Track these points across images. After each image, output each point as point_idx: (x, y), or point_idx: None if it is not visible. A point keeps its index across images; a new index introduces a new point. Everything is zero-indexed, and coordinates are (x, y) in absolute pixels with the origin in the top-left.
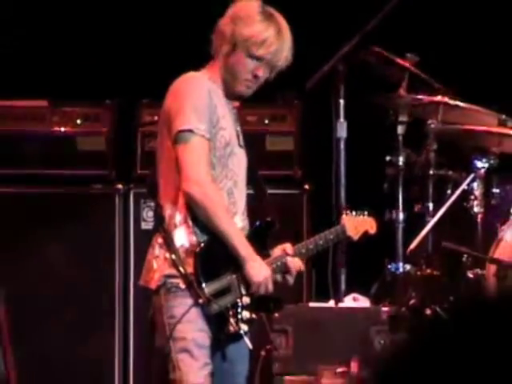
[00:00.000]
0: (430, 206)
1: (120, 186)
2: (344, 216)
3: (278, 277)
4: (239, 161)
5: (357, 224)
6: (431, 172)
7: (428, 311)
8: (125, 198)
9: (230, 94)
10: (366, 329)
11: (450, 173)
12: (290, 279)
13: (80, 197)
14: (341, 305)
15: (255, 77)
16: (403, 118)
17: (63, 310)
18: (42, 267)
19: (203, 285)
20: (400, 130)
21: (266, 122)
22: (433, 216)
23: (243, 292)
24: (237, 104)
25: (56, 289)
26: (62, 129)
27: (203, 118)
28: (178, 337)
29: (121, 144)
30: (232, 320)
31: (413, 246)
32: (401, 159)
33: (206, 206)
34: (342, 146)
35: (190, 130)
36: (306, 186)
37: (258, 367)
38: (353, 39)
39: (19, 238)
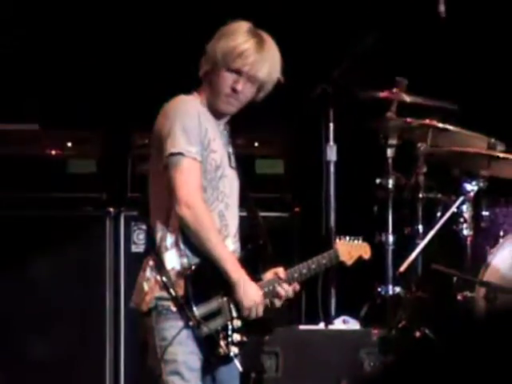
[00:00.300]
0: (420, 228)
1: (111, 209)
2: (337, 241)
3: (267, 300)
4: (231, 183)
5: (350, 249)
6: (421, 195)
7: (417, 333)
8: (115, 221)
9: (215, 113)
10: (356, 351)
11: (440, 196)
12: (278, 303)
13: (71, 219)
14: (331, 327)
15: (234, 91)
16: (393, 141)
17: (53, 332)
18: (31, 290)
19: (194, 307)
20: (390, 153)
21: (256, 145)
22: (422, 238)
23: (234, 315)
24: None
25: (46, 311)
26: (53, 152)
27: (193, 141)
28: (169, 359)
29: (112, 167)
30: (222, 343)
31: (402, 268)
32: (390, 182)
33: (197, 228)
34: (332, 169)
35: (181, 153)
36: (296, 209)
37: None
38: (342, 63)
39: (9, 260)
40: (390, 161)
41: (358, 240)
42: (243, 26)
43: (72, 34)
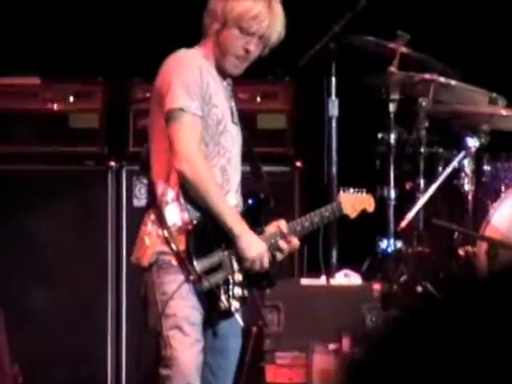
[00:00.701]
0: (421, 183)
1: (112, 163)
2: (341, 193)
3: (269, 254)
4: (233, 138)
5: (354, 202)
6: (422, 150)
7: (419, 288)
8: (117, 175)
9: (222, 72)
10: (358, 306)
11: (441, 150)
12: (280, 257)
13: (72, 174)
14: (332, 281)
15: (247, 52)
16: (395, 95)
17: (54, 287)
18: (33, 244)
19: (194, 262)
20: (391, 107)
21: (258, 99)
22: (424, 193)
23: (235, 268)
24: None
25: (47, 265)
26: (55, 106)
27: (194, 96)
28: (170, 313)
29: (113, 121)
30: (223, 297)
31: (404, 223)
32: (392, 137)
33: (197, 183)
34: (334, 123)
35: (181, 109)
36: (298, 164)
37: (250, 343)
38: (344, 17)
39: (10, 214)
40: (391, 115)
41: (362, 192)
42: None
43: None
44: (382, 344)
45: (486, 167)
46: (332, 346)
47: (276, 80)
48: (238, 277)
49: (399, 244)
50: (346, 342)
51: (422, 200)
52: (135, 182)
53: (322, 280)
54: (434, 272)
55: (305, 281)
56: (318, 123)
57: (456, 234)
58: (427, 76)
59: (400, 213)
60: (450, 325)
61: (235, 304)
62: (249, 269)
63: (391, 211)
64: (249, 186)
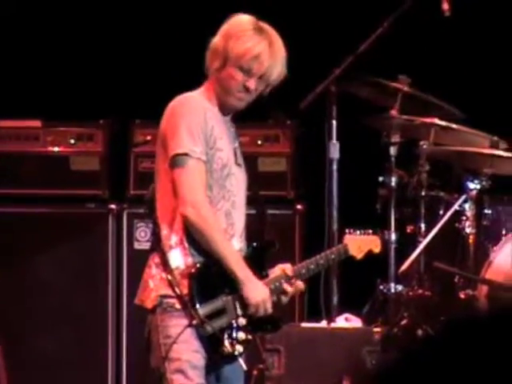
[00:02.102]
0: (422, 226)
1: (113, 206)
2: (347, 235)
3: (274, 297)
4: (238, 181)
5: (360, 243)
6: (423, 193)
7: (420, 331)
8: (118, 218)
9: (224, 109)
10: (358, 349)
11: (442, 194)
12: (285, 300)
13: (73, 216)
14: (333, 325)
15: (247, 89)
16: (395, 139)
17: (55, 330)
18: (35, 286)
19: (197, 306)
20: (392, 151)
21: (259, 142)
22: (425, 237)
23: (239, 313)
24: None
25: (49, 308)
26: (56, 149)
27: (198, 141)
28: (173, 357)
29: (114, 164)
30: (227, 341)
31: (405, 266)
32: (393, 180)
33: (202, 228)
34: (335, 166)
35: (186, 154)
36: (299, 206)
37: None
38: (345, 61)
39: (11, 257)
40: (392, 158)
41: (369, 233)
42: (250, 23)
43: (73, 29)
44: None
45: (487, 210)
46: None
47: (277, 123)
48: (242, 321)
49: (400, 287)
50: None
51: (423, 243)
52: (136, 224)
53: (322, 324)
54: (434, 315)
55: (306, 324)
56: (318, 166)
57: (457, 277)
58: (428, 119)
59: (401, 256)
60: (450, 368)
61: (239, 348)
62: (253, 314)
63: (392, 254)
64: (253, 228)
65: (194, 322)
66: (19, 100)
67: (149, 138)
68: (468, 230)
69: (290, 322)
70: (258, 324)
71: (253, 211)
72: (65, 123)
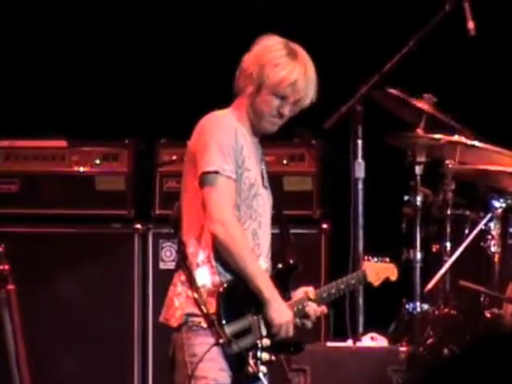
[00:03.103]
0: (448, 245)
1: (139, 226)
2: (365, 262)
3: (298, 320)
4: (264, 202)
5: (378, 270)
6: (449, 212)
7: (446, 351)
8: (144, 238)
9: (257, 132)
10: (384, 368)
11: (468, 212)
12: (309, 324)
13: (99, 236)
14: (359, 344)
15: (281, 115)
16: (421, 158)
17: (81, 350)
18: (61, 306)
19: (225, 325)
20: (418, 170)
21: (285, 162)
22: (450, 256)
23: (264, 333)
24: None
25: (75, 328)
26: (81, 169)
27: (229, 159)
28: (199, 375)
29: (139, 184)
30: (251, 361)
31: (430, 285)
32: (419, 199)
33: (230, 246)
34: (360, 185)
35: (216, 172)
36: (324, 226)
37: None
38: (370, 80)
39: (39, 277)
40: (418, 177)
41: (386, 261)
42: (283, 48)
43: (100, 49)
44: None
45: None
46: None
47: (302, 142)
48: (266, 342)
49: (426, 306)
50: None
51: (449, 262)
52: (162, 244)
53: (348, 343)
54: (460, 334)
55: (331, 344)
56: (344, 185)
57: (482, 296)
58: (453, 138)
59: (426, 275)
60: (475, 383)
61: (262, 369)
62: (275, 335)
63: (417, 273)
64: (278, 249)
65: (221, 340)
66: (45, 120)
67: (174, 157)
68: (493, 249)
69: (316, 341)
70: (280, 345)
71: (277, 231)
72: (90, 143)
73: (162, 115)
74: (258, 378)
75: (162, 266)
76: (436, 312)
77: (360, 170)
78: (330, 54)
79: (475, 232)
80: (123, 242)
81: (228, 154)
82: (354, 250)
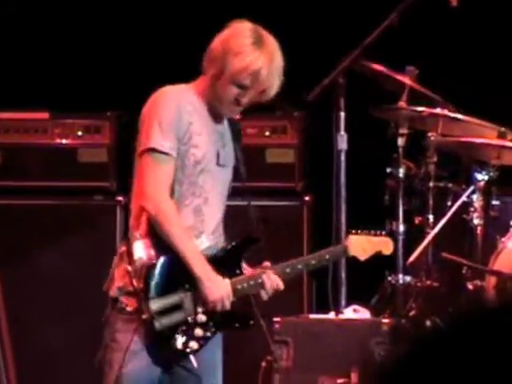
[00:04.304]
0: (430, 217)
1: (121, 198)
2: (350, 236)
3: (252, 289)
4: (214, 179)
5: (366, 245)
6: (431, 184)
7: (428, 323)
8: (126, 210)
9: (216, 115)
10: (367, 340)
11: (450, 185)
12: (264, 295)
13: (81, 208)
14: (341, 316)
15: (238, 103)
16: (403, 130)
17: (63, 322)
18: (42, 278)
19: (150, 300)
20: (400, 142)
21: (267, 134)
22: (433, 228)
23: (199, 310)
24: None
25: (56, 300)
26: (63, 141)
27: (168, 136)
28: (114, 366)
29: (122, 156)
30: (180, 338)
31: (413, 257)
32: (401, 171)
33: (161, 222)
34: (343, 158)
35: (153, 148)
36: (307, 198)
37: (259, 378)
38: (353, 52)
39: (19, 249)
40: (400, 150)
41: (379, 234)
42: (250, 35)
43: (82, 21)
44: (391, 379)
45: (495, 201)
46: (341, 381)
47: (285, 115)
48: (202, 318)
49: (408, 278)
50: (354, 377)
51: (431, 234)
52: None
53: (330, 315)
54: (443, 306)
55: (314, 316)
56: (326, 157)
57: (465, 268)
58: (436, 110)
59: (409, 247)
60: (459, 358)
61: (193, 345)
62: (210, 310)
63: (400, 246)
64: (239, 224)
65: (144, 316)
66: (27, 92)
67: None
68: (476, 221)
69: (299, 313)
70: (222, 321)
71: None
72: (73, 115)
73: (145, 87)
74: (186, 356)
75: None
76: (418, 284)
77: (342, 142)
78: (312, 27)
79: (457, 204)
80: (105, 214)
81: (168, 131)
82: (336, 223)
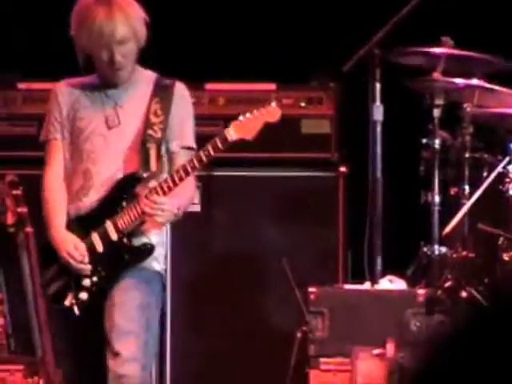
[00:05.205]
0: (466, 188)
1: (344, 169)
2: (232, 122)
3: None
4: (107, 140)
5: (247, 124)
6: (467, 155)
7: (464, 293)
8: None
9: (107, 82)
10: (402, 311)
11: (486, 156)
12: (159, 219)
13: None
14: (377, 287)
15: (113, 63)
16: (439, 101)
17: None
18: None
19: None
20: (436, 113)
21: (302, 104)
22: (468, 199)
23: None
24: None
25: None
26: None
27: (51, 123)
28: None
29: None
30: (69, 296)
31: (448, 228)
32: (437, 142)
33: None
34: (379, 129)
35: (44, 142)
36: (342, 169)
37: (294, 349)
38: (389, 23)
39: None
40: (436, 121)
41: (260, 109)
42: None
43: None
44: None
45: None
46: (376, 351)
47: (320, 85)
48: (86, 282)
49: (444, 249)
50: (390, 347)
51: (467, 205)
52: None
53: (366, 285)
54: (478, 277)
55: (349, 286)
56: (362, 128)
57: (500, 238)
58: (471, 81)
59: (444, 218)
60: (499, 332)
61: (83, 295)
62: (68, 267)
63: (436, 217)
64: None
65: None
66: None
67: None
68: (511, 192)
69: (334, 284)
70: (113, 260)
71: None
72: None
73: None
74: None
75: None
76: (454, 255)
77: (378, 113)
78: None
79: (493, 175)
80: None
81: (50, 120)
82: (371, 194)
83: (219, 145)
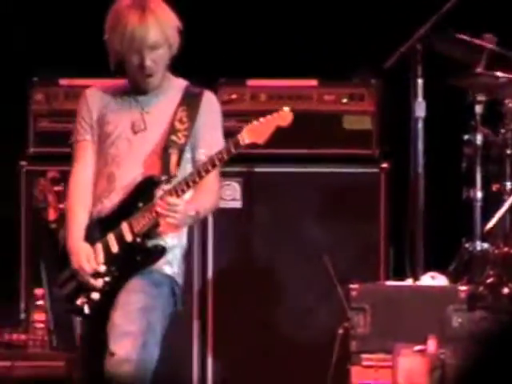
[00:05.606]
0: (508, 184)
1: (385, 165)
2: (245, 126)
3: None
4: (131, 144)
5: (259, 128)
6: (509, 151)
7: (505, 290)
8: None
9: (137, 88)
10: (444, 307)
11: None
12: (171, 220)
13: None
14: (418, 283)
15: (143, 68)
16: (481, 97)
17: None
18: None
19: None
20: (478, 109)
21: (344, 101)
22: (510, 195)
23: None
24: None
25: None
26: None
27: (81, 125)
28: None
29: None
30: (80, 298)
31: (490, 224)
32: (479, 138)
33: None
34: (421, 125)
35: (73, 142)
36: (384, 165)
37: (336, 345)
38: (431, 19)
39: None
40: (478, 117)
41: (273, 113)
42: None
43: None
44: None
45: None
46: (417, 348)
47: (362, 82)
48: (101, 268)
49: (486, 245)
50: (431, 344)
51: (509, 201)
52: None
53: (408, 282)
54: None
55: (391, 283)
56: (404, 125)
57: None
58: None
59: (486, 214)
60: None
61: (95, 295)
62: (81, 277)
63: (477, 213)
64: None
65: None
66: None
67: None
68: None
69: (376, 280)
70: (125, 263)
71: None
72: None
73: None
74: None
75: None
76: (496, 251)
77: (420, 109)
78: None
79: None
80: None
81: (80, 122)
82: (413, 190)
83: (232, 149)
